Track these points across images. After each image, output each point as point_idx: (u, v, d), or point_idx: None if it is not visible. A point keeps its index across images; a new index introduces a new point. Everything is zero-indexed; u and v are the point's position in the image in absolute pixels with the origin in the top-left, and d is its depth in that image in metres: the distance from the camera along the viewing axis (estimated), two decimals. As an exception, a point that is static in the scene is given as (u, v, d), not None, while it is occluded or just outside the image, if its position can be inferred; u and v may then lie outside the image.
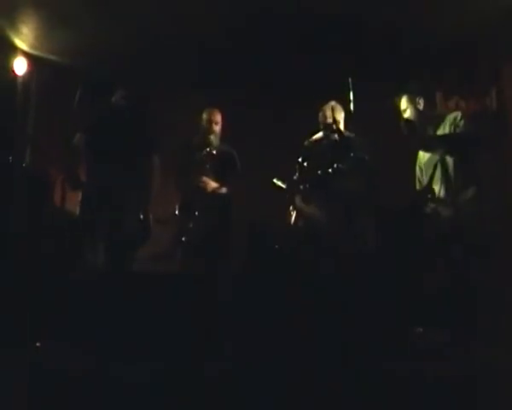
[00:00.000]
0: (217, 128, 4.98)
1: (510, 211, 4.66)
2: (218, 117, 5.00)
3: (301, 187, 4.53)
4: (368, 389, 2.82)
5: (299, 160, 4.48)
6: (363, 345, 3.18)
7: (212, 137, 4.95)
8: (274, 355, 3.10)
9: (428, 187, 4.20)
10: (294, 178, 4.51)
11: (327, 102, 4.74)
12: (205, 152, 4.89)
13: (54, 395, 2.78)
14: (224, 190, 4.93)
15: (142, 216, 4.38)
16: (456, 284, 3.74)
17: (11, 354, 3.07)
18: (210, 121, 4.95)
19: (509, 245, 4.32)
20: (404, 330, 3.45)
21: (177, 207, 4.93)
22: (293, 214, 4.62)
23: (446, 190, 4.10)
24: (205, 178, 4.88)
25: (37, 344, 3.26)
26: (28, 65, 5.69)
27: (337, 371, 2.97)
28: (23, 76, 5.66)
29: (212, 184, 4.89)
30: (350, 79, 4.32)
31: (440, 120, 4.24)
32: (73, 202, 4.70)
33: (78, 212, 4.53)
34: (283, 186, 4.70)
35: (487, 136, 4.73)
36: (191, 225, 4.76)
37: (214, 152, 4.89)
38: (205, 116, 5.00)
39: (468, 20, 5.10)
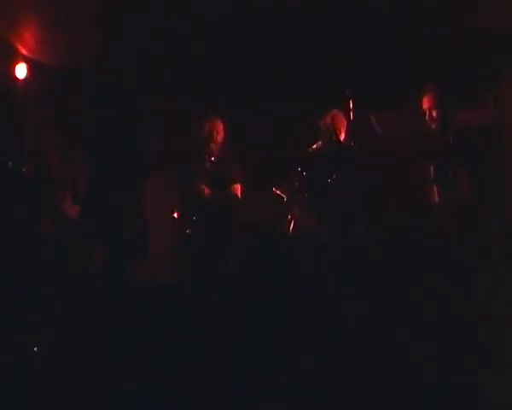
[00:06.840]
0: (218, 138, 5.01)
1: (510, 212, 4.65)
2: (220, 127, 5.03)
3: (300, 196, 4.55)
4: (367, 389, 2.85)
5: (299, 169, 4.50)
6: (362, 345, 3.19)
7: (213, 145, 4.96)
8: (272, 355, 3.13)
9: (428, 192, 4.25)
10: (294, 186, 4.53)
11: (329, 110, 4.75)
12: (205, 160, 4.90)
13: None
14: (222, 197, 4.93)
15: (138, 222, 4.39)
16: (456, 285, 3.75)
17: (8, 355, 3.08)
18: (211, 131, 4.98)
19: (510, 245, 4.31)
20: (405, 332, 3.45)
21: (175, 212, 4.93)
22: (292, 222, 4.63)
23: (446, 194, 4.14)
24: (203, 186, 4.88)
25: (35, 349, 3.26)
26: (29, 70, 5.69)
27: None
28: (24, 80, 5.66)
29: (211, 192, 4.89)
30: (349, 88, 4.35)
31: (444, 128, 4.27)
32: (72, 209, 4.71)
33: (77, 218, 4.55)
34: (283, 195, 4.71)
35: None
36: (189, 231, 4.77)
37: (213, 159, 4.91)
38: (207, 126, 5.02)
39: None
